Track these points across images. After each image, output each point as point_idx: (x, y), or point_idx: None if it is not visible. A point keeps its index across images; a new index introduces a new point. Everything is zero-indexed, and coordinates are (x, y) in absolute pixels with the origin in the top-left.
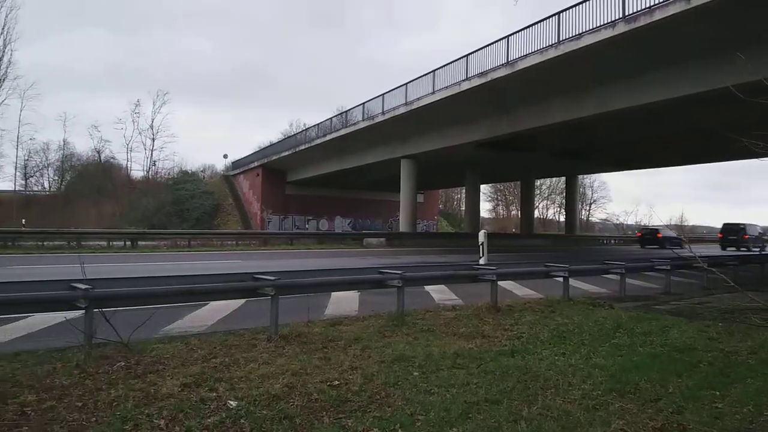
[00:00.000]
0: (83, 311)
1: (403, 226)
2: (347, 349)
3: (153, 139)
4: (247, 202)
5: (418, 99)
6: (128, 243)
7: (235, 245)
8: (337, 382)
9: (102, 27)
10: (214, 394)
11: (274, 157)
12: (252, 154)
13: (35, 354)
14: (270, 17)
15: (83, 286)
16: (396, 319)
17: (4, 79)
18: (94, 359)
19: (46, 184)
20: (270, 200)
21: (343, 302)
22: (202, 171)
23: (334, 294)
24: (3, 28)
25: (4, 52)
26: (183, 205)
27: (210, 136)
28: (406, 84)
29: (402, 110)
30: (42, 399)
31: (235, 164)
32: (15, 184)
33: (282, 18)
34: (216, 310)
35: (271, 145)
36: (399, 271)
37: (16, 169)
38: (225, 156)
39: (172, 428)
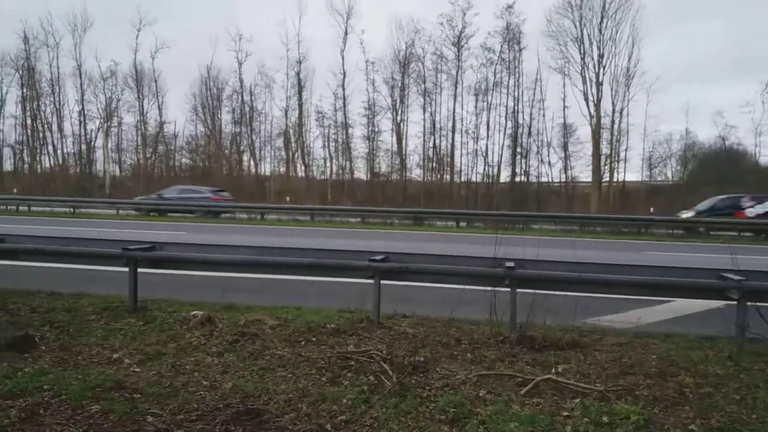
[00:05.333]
0: (734, 302)
1: None
2: None
3: None
4: None
5: None
6: None
7: None
8: None
9: (718, 19)
10: None
11: None
12: None
13: (685, 338)
14: None
15: (736, 277)
16: None
17: (633, 76)
18: (746, 354)
19: (669, 174)
20: None
21: None
22: None
23: None
24: (631, 30)
25: (632, 51)
26: None
27: None
28: None
29: None
30: (699, 383)
31: None
32: (642, 174)
33: None
34: None
35: None
36: None
37: (642, 161)
38: None
39: None
